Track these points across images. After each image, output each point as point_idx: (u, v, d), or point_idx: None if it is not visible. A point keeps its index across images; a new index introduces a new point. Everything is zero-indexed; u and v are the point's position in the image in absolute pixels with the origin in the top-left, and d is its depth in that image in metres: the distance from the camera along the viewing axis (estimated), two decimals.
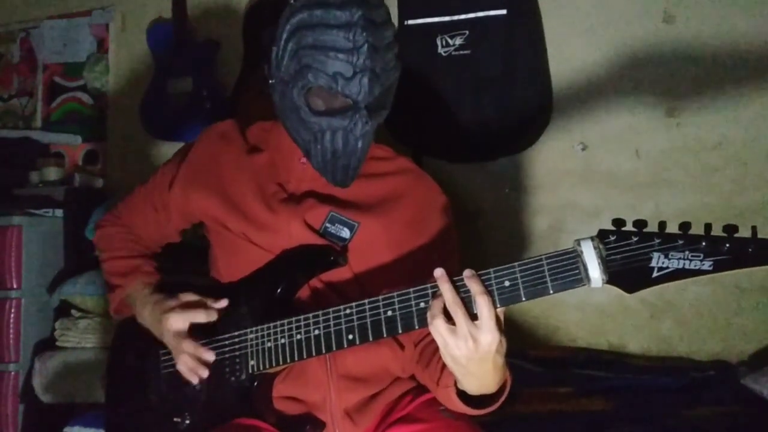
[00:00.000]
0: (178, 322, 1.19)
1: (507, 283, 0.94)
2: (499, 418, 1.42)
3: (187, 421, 1.21)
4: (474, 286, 0.93)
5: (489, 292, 0.93)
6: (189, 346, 1.18)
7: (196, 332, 1.21)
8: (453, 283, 0.94)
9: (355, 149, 1.16)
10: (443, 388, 1.08)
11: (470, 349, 0.92)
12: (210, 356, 1.18)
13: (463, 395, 1.04)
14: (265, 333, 1.14)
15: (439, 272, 0.95)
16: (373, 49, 1.09)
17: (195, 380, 1.19)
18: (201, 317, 1.19)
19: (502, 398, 1.05)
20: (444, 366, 1.05)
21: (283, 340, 1.12)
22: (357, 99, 1.12)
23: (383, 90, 1.14)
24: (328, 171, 1.19)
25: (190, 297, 1.23)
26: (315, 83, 1.12)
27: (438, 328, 0.93)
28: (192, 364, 1.18)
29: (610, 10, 2.00)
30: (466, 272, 0.94)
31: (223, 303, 1.21)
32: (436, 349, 1.13)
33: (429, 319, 0.95)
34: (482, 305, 0.92)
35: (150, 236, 1.39)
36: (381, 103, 1.17)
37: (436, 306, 0.95)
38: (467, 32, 2.06)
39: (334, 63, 1.09)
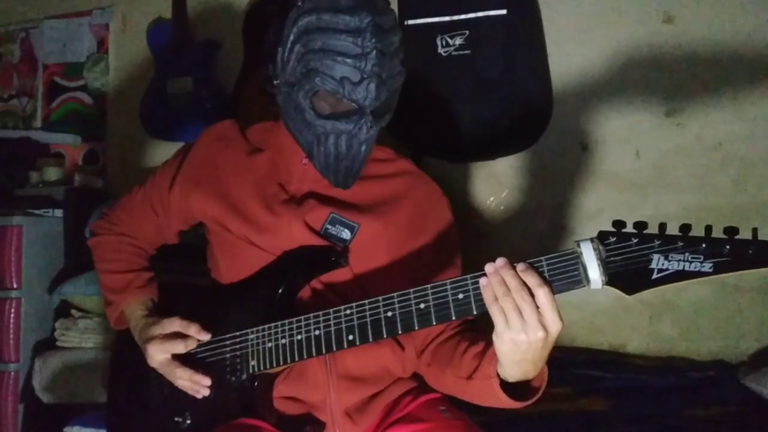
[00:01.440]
0: (158, 354, 1.20)
1: None
2: (499, 418, 1.43)
3: (188, 421, 1.22)
4: (530, 279, 0.90)
5: (548, 282, 0.91)
6: (183, 374, 1.19)
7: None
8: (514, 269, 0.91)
9: (359, 153, 1.16)
10: (483, 379, 1.04)
11: (538, 338, 0.90)
12: (206, 381, 1.19)
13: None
14: (266, 333, 1.14)
15: (501, 261, 0.92)
16: (381, 55, 1.09)
17: (199, 396, 1.20)
18: (179, 348, 1.20)
19: (544, 386, 1.03)
20: (475, 358, 1.05)
21: (283, 341, 1.12)
22: (363, 104, 1.12)
23: (389, 95, 1.15)
24: (331, 173, 1.19)
25: (172, 326, 1.22)
26: (322, 87, 1.12)
27: (507, 310, 0.90)
28: (190, 386, 1.20)
29: (610, 9, 2.00)
30: (520, 266, 0.92)
31: (206, 336, 1.20)
32: (456, 344, 1.13)
33: (493, 299, 0.91)
34: (542, 296, 0.90)
35: (148, 239, 1.38)
36: (386, 107, 1.17)
37: (499, 285, 0.91)
38: (467, 32, 2.06)
39: (341, 68, 1.09)
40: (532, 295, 0.90)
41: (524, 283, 0.90)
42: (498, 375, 1.01)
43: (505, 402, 1.02)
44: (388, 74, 1.12)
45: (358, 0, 1.09)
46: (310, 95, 1.14)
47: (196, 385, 1.19)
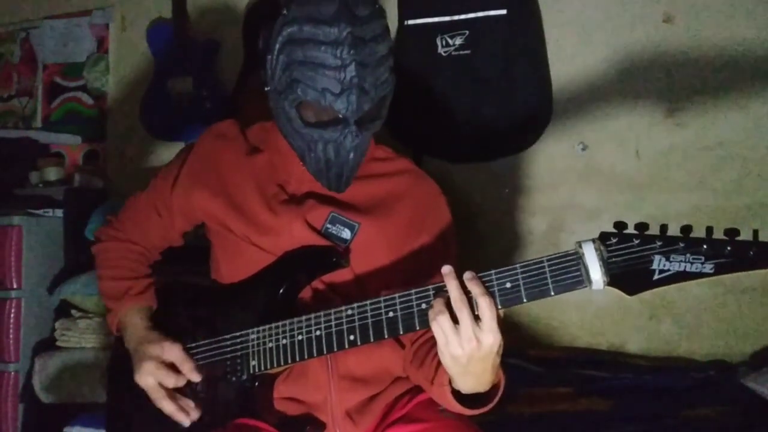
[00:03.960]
0: (150, 377, 1.19)
1: (508, 285, 0.94)
2: (499, 418, 1.43)
3: None
4: (475, 288, 0.93)
5: (491, 294, 0.93)
6: (168, 406, 1.18)
7: (198, 331, 1.22)
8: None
9: (347, 160, 1.18)
10: (438, 386, 1.07)
11: (472, 349, 0.92)
12: (193, 416, 1.18)
13: (456, 395, 1.04)
14: (267, 333, 1.14)
15: (447, 269, 0.95)
16: (361, 67, 1.10)
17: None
18: (170, 382, 1.18)
19: (496, 398, 1.05)
20: (439, 364, 1.05)
21: (284, 341, 1.12)
22: (345, 114, 1.13)
23: (374, 104, 1.15)
24: (323, 177, 1.21)
25: (171, 354, 1.20)
26: (304, 98, 1.13)
27: (442, 325, 0.93)
28: (171, 414, 1.18)
29: (610, 9, 2.01)
30: (467, 274, 0.95)
31: (196, 378, 1.19)
32: (430, 348, 1.13)
33: (432, 316, 0.95)
34: (484, 306, 0.92)
35: (153, 242, 1.37)
36: (373, 115, 1.18)
37: (439, 303, 0.95)
38: (467, 32, 2.06)
39: (322, 79, 1.10)
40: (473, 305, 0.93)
41: (466, 296, 0.93)
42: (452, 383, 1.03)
43: (458, 409, 1.05)
44: (372, 84, 1.13)
45: (338, 10, 1.09)
46: (295, 104, 1.15)
47: (179, 414, 1.17)
